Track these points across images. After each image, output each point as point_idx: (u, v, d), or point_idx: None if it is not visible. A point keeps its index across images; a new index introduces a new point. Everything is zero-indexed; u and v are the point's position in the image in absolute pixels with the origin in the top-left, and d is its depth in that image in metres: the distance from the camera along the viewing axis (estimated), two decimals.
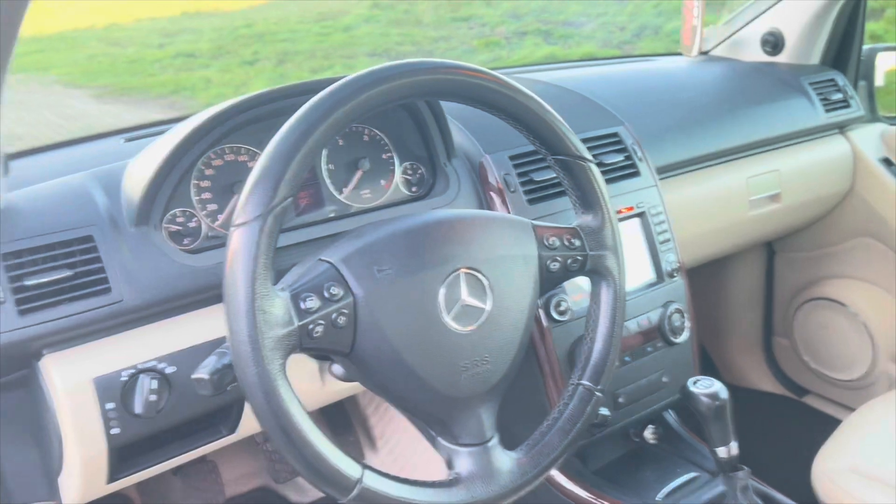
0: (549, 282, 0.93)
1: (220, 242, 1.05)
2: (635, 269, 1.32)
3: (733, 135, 1.60)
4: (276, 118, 1.03)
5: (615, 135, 1.38)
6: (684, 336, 1.32)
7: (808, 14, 1.80)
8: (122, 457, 1.00)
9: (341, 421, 1.70)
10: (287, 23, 11.42)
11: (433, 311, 0.81)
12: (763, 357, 2.16)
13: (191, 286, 0.99)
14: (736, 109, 1.64)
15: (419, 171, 1.20)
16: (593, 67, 1.92)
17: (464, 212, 0.90)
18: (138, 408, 0.95)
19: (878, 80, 1.90)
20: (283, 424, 0.72)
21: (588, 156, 0.93)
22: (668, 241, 1.35)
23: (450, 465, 0.86)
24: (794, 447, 1.66)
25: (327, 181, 1.13)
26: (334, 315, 0.77)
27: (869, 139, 1.83)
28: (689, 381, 1.14)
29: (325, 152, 1.13)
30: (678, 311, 1.31)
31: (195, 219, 1.04)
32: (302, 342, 0.75)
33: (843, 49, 1.85)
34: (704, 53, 1.98)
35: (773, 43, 1.85)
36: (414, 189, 1.20)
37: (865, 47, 1.88)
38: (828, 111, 1.75)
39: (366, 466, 0.77)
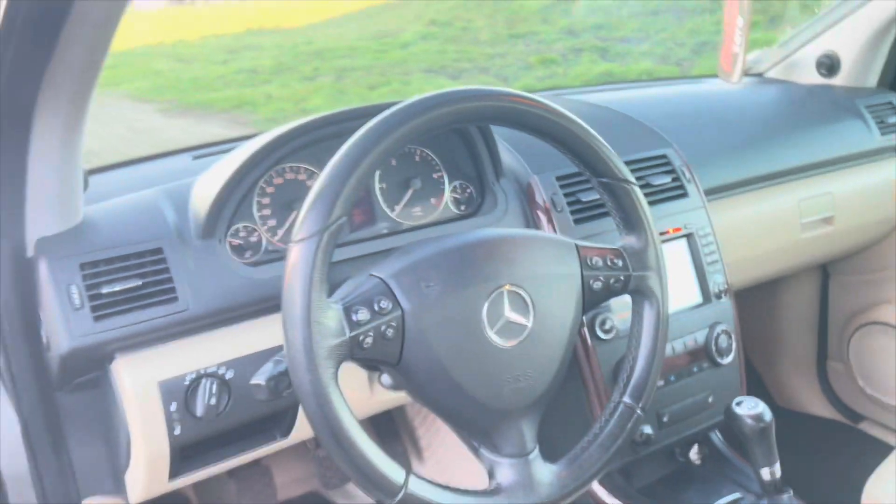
0: (592, 300, 0.95)
1: (278, 256, 1.11)
2: (682, 289, 1.33)
3: (785, 157, 1.60)
4: (333, 140, 1.08)
5: (664, 156, 1.39)
6: (731, 357, 1.33)
7: (864, 36, 1.78)
8: (183, 456, 1.06)
9: (389, 431, 1.75)
10: (346, 40, 11.65)
11: (477, 325, 0.85)
12: (816, 381, 2.13)
13: (251, 297, 1.05)
14: (788, 132, 1.64)
15: (468, 191, 1.25)
16: (643, 89, 1.94)
17: (508, 231, 0.93)
18: (199, 410, 1.01)
19: None
20: (334, 429, 0.77)
21: (631, 178, 0.96)
22: (715, 262, 1.36)
23: (491, 475, 0.89)
24: (845, 473, 1.64)
25: (380, 199, 1.18)
26: (383, 327, 0.81)
27: None
28: (734, 402, 1.15)
29: (378, 172, 1.18)
30: (725, 332, 1.32)
31: (256, 233, 1.10)
32: (353, 352, 0.79)
33: None
34: (759, 75, 1.99)
35: (829, 65, 1.84)
36: (463, 208, 1.24)
37: None
38: (884, 134, 1.73)
39: (410, 472, 0.81)
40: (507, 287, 0.87)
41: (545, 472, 0.89)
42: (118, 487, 1.14)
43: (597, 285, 0.94)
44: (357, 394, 1.15)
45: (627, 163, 1.31)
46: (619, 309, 1.25)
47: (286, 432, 1.14)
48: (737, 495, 1.27)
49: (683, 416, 1.29)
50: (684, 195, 1.37)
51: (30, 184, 0.97)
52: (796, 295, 2.09)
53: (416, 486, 0.81)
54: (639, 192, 0.97)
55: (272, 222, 1.12)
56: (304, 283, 0.76)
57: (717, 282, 1.35)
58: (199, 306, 1.02)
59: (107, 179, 1.26)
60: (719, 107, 1.73)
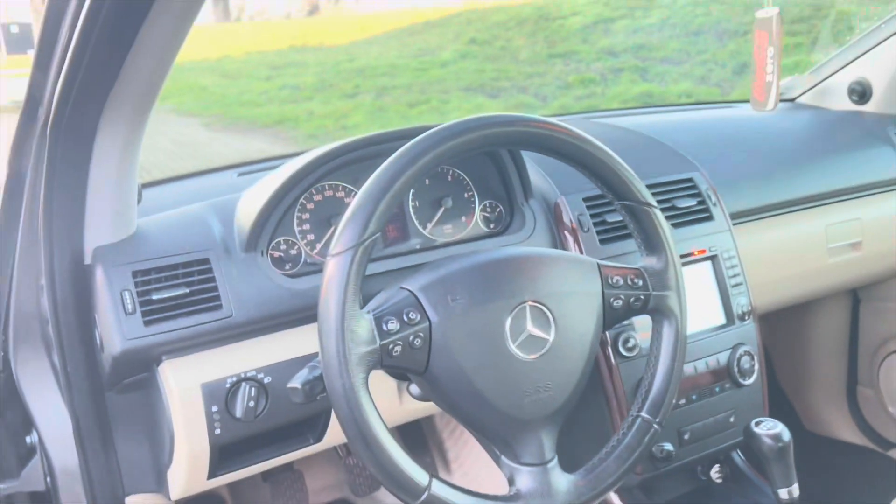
0: (613, 318, 0.99)
1: (317, 269, 1.17)
2: (705, 310, 1.36)
3: (813, 182, 1.62)
4: (371, 160, 1.15)
5: (690, 180, 1.43)
6: (753, 378, 1.35)
7: None
8: (222, 456, 1.12)
9: (419, 442, 1.79)
10: (387, 58, 11.82)
11: (500, 338, 0.90)
12: (846, 406, 2.12)
13: (289, 306, 1.12)
14: (817, 157, 1.66)
15: (498, 210, 1.30)
16: (676, 114, 1.97)
17: (533, 249, 0.98)
18: (239, 412, 1.07)
19: None
20: (363, 431, 0.82)
21: (652, 201, 1.00)
22: (739, 284, 1.38)
23: (511, 482, 0.93)
24: (873, 500, 1.63)
25: (413, 217, 1.24)
26: (411, 337, 0.86)
27: None
28: (752, 422, 1.17)
29: (412, 190, 1.24)
30: (748, 353, 1.34)
31: (296, 247, 1.17)
32: (383, 359, 0.85)
33: None
34: (791, 100, 2.01)
35: (861, 92, 1.85)
36: (492, 226, 1.29)
37: None
38: None
39: (434, 476, 0.86)
40: (530, 303, 0.92)
41: (562, 481, 0.93)
42: (160, 485, 1.20)
43: (617, 303, 0.98)
44: (386, 402, 1.20)
45: (654, 185, 1.37)
46: (642, 328, 1.28)
47: (319, 437, 1.20)
48: None
49: (704, 435, 1.31)
50: (710, 218, 1.40)
51: (90, 197, 1.05)
52: (827, 319, 2.09)
53: (439, 489, 0.85)
54: (660, 215, 1.01)
55: (311, 236, 1.18)
56: (338, 294, 0.82)
57: (740, 303, 1.37)
58: (241, 314, 1.08)
59: (159, 193, 1.34)
60: (750, 132, 1.75)
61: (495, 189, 1.30)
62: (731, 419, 1.33)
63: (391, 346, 0.85)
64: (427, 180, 1.26)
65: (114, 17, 0.80)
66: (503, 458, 0.94)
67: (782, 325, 2.06)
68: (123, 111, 0.96)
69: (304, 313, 1.12)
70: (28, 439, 1.20)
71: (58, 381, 1.17)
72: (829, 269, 1.67)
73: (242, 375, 1.08)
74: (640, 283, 1.00)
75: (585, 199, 1.31)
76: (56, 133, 0.99)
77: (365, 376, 0.83)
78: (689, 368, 1.29)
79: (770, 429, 1.16)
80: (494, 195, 1.30)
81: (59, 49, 0.92)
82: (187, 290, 1.06)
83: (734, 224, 1.44)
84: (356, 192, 0.87)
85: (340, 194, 1.20)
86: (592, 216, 1.30)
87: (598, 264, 0.99)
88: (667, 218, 1.34)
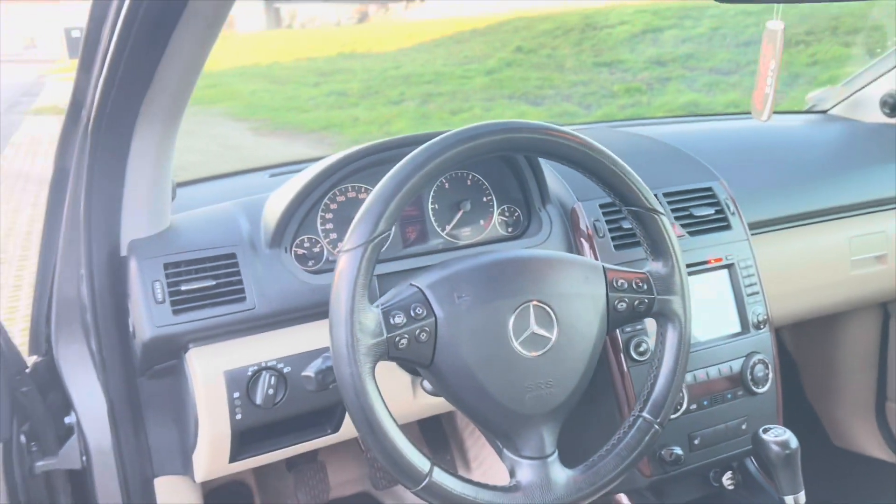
0: (616, 320, 1.02)
1: None
2: (720, 318, 1.37)
3: (836, 195, 1.62)
4: (392, 163, 1.20)
5: (709, 189, 1.45)
6: (767, 387, 1.35)
7: None
8: (243, 441, 1.18)
9: (440, 441, 1.83)
10: (433, 65, 11.91)
11: (503, 335, 0.93)
12: (875, 422, 2.09)
13: (310, 301, 1.17)
14: (843, 169, 1.66)
15: (515, 214, 1.34)
16: (704, 123, 1.98)
17: (539, 251, 1.02)
18: (259, 399, 1.13)
19: None
20: (368, 418, 0.87)
21: (659, 208, 1.03)
22: (756, 293, 1.39)
23: (512, 474, 0.97)
24: None
25: (432, 219, 1.28)
26: (417, 331, 0.91)
27: None
28: (760, 429, 1.18)
29: (431, 193, 1.29)
30: (762, 361, 1.35)
31: (319, 245, 1.23)
32: (389, 351, 0.89)
33: None
34: (823, 112, 2.00)
35: (893, 105, 1.84)
36: (510, 230, 1.33)
37: None
38: None
39: (435, 464, 0.90)
40: (534, 302, 0.95)
41: (562, 475, 0.96)
42: (186, 468, 1.27)
43: (621, 306, 1.01)
44: (400, 396, 1.25)
45: (672, 194, 1.39)
46: (654, 333, 1.30)
47: (336, 427, 1.25)
48: None
49: (715, 441, 1.32)
50: (727, 227, 1.41)
51: (126, 193, 1.12)
52: (856, 333, 2.07)
53: (440, 477, 0.89)
54: (666, 222, 1.03)
55: (333, 235, 1.24)
56: (348, 287, 0.87)
57: (756, 312, 1.38)
58: (264, 306, 1.14)
59: (193, 192, 1.41)
60: (777, 143, 1.76)
61: (513, 194, 1.34)
62: (744, 426, 1.34)
63: (398, 338, 0.89)
64: (447, 184, 1.30)
65: (149, 18, 0.87)
66: (505, 451, 0.98)
67: (811, 339, 2.05)
68: (158, 113, 1.03)
69: (324, 308, 1.16)
70: (67, 420, 1.27)
71: (95, 365, 1.24)
72: (852, 282, 1.66)
73: (263, 364, 1.14)
74: (645, 286, 1.02)
75: (602, 206, 1.34)
76: (97, 133, 1.07)
77: (372, 366, 0.87)
78: (701, 374, 1.31)
79: (777, 436, 1.17)
80: (512, 199, 1.34)
81: (100, 50, 1.00)
82: (214, 283, 1.13)
83: (754, 234, 1.45)
84: None
85: (363, 195, 1.25)
86: (608, 222, 1.33)
87: (604, 267, 1.02)
88: (684, 226, 1.37)
